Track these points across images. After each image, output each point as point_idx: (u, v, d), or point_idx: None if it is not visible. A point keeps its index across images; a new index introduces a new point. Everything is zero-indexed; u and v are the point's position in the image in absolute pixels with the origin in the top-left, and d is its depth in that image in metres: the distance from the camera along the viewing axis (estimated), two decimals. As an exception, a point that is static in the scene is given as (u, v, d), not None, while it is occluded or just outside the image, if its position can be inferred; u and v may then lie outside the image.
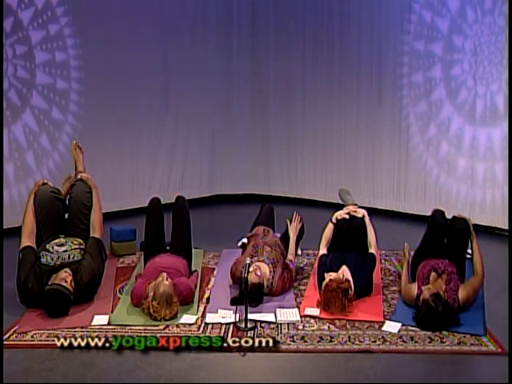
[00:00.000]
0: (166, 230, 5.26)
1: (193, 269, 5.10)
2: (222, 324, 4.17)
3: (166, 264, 4.67)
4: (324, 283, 4.44)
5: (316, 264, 5.06)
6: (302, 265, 5.54)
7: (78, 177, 5.12)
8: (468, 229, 4.75)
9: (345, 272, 4.60)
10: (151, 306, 4.20)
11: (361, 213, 5.18)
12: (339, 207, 5.47)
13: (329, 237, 5.14)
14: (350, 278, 4.52)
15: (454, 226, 4.80)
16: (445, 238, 4.82)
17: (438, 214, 4.93)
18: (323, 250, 5.07)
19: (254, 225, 5.52)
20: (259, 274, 4.57)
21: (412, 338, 3.97)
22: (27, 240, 4.69)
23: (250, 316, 4.14)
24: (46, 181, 5.09)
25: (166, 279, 4.33)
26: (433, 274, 4.45)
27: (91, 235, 4.85)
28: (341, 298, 4.32)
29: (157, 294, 4.23)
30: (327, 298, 4.35)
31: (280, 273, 4.82)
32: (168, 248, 5.11)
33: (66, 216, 5.00)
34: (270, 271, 4.74)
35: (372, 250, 4.92)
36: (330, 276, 4.47)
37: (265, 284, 4.61)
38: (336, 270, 4.61)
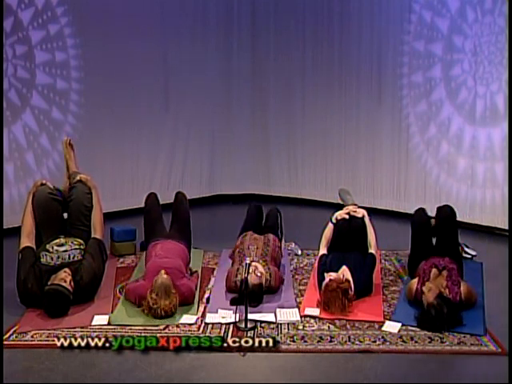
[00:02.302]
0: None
1: (193, 269, 5.11)
2: (221, 324, 4.16)
3: (167, 264, 4.66)
4: (324, 283, 4.44)
5: (316, 264, 5.06)
6: (301, 265, 5.54)
7: (78, 178, 5.10)
8: (453, 213, 5.03)
9: (345, 272, 4.60)
10: (150, 299, 4.21)
11: (360, 213, 5.18)
12: (339, 207, 5.47)
13: (329, 237, 5.14)
14: (350, 278, 4.51)
15: (439, 214, 5.11)
16: (430, 234, 5.04)
17: (419, 212, 5.18)
18: (323, 250, 5.07)
19: (242, 230, 5.56)
20: (258, 274, 4.58)
21: (412, 338, 3.97)
22: (26, 240, 4.68)
23: (250, 316, 4.14)
24: (44, 181, 5.07)
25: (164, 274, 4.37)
26: (433, 271, 4.48)
27: (92, 236, 4.85)
28: (341, 298, 4.32)
29: (155, 285, 4.26)
30: (327, 298, 4.35)
31: (276, 268, 4.93)
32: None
33: (66, 216, 5.00)
34: (265, 268, 4.78)
35: (372, 250, 4.92)
36: (329, 276, 4.46)
37: (263, 282, 4.62)
38: (336, 270, 4.61)
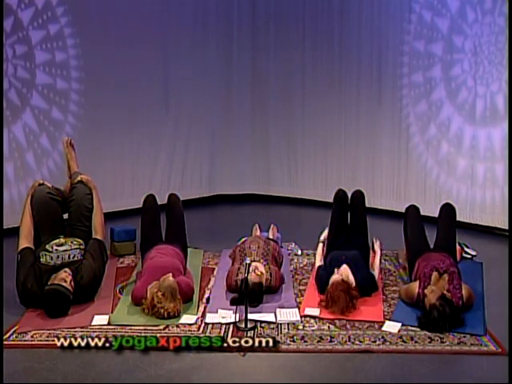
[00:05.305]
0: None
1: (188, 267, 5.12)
2: (221, 324, 4.17)
3: (165, 263, 4.66)
4: (331, 281, 4.43)
5: (313, 273, 5.01)
6: (301, 265, 5.54)
7: (78, 179, 5.10)
8: (454, 211, 5.09)
9: (346, 271, 4.60)
10: (155, 297, 4.19)
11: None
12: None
13: (321, 254, 5.14)
14: (352, 277, 4.53)
15: (441, 210, 5.16)
16: (421, 221, 5.20)
17: (411, 207, 5.34)
18: (319, 264, 5.04)
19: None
20: (259, 273, 4.58)
21: (412, 338, 3.97)
22: (25, 241, 4.68)
23: (250, 316, 4.14)
24: (42, 181, 5.07)
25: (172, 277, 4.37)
26: (434, 274, 4.45)
27: (93, 237, 4.84)
28: (346, 297, 4.30)
29: (162, 286, 4.25)
30: (334, 295, 4.32)
31: (276, 267, 4.93)
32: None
33: (65, 216, 4.99)
34: (266, 268, 4.78)
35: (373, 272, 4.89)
36: (335, 275, 4.48)
37: (263, 282, 4.61)
38: (337, 267, 4.63)
